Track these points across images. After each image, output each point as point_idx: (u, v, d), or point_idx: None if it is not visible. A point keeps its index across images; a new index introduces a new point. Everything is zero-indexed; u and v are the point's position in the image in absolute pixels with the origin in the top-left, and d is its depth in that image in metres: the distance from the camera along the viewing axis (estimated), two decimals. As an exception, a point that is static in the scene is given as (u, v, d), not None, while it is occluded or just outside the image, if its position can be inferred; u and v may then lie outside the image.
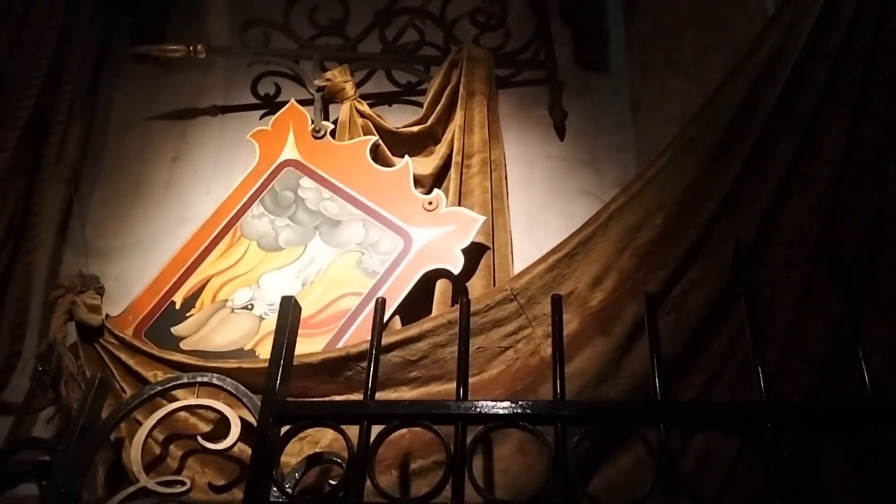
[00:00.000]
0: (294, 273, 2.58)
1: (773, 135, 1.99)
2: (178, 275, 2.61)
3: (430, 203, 2.63)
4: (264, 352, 2.32)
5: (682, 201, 2.01)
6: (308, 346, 2.29)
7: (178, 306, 2.56)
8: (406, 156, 2.80)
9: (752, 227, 1.95)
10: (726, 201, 1.98)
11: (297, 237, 2.67)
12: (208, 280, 2.60)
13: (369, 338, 1.68)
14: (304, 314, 2.37)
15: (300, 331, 2.29)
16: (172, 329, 2.50)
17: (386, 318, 2.34)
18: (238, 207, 2.75)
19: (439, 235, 2.56)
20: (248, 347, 2.43)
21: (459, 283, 2.50)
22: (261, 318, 2.49)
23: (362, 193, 2.72)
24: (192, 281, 2.60)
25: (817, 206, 1.91)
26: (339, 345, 2.33)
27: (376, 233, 2.63)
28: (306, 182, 2.79)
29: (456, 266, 2.48)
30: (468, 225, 2.56)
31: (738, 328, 1.89)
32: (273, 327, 2.25)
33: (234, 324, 2.50)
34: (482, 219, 2.58)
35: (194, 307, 2.55)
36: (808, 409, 1.45)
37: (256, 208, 2.75)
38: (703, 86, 2.41)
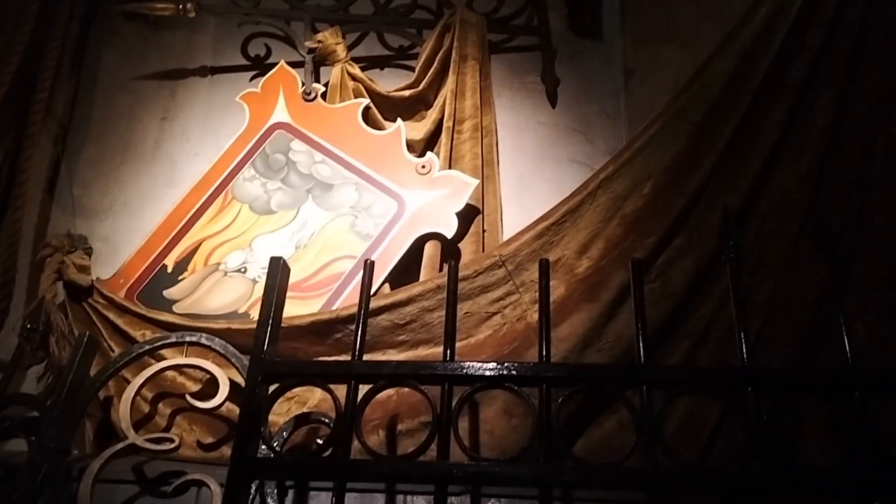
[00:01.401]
0: (287, 236, 2.58)
1: (764, 104, 2.00)
2: (170, 238, 2.60)
3: (424, 167, 2.63)
4: (258, 314, 2.33)
5: (671, 170, 2.03)
6: (302, 308, 2.30)
7: (169, 269, 2.55)
8: (399, 119, 2.78)
9: (740, 196, 1.96)
10: (715, 170, 2.00)
11: (290, 200, 2.66)
12: (200, 243, 2.60)
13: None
14: (298, 277, 2.44)
15: (294, 294, 2.35)
16: (165, 292, 2.50)
17: (380, 280, 2.36)
18: (229, 170, 2.74)
19: (433, 199, 2.57)
20: (242, 310, 2.44)
21: (450, 248, 2.50)
22: (254, 282, 2.49)
23: (355, 156, 2.71)
24: (184, 244, 2.59)
25: (806, 175, 1.93)
26: (334, 307, 2.34)
27: (369, 196, 2.63)
28: (297, 145, 2.77)
29: (450, 230, 2.49)
30: (462, 189, 2.56)
31: (723, 295, 1.92)
32: None
33: (227, 287, 2.50)
34: (475, 182, 2.58)
35: (186, 270, 2.55)
36: (788, 374, 1.47)
37: (247, 171, 2.74)
38: (697, 54, 2.40)
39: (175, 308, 2.44)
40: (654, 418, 1.37)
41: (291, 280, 2.37)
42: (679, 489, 1.35)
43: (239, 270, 2.52)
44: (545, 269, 1.56)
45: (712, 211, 1.95)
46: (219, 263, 2.55)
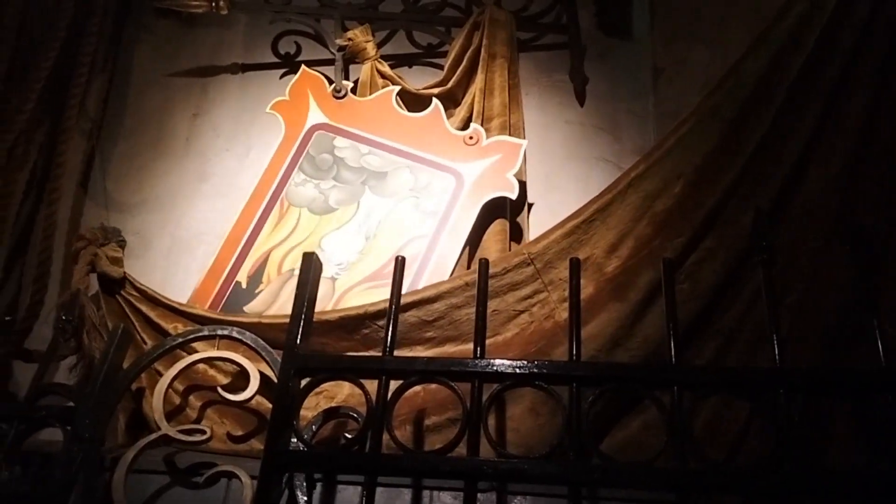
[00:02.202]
0: (354, 229, 2.60)
1: (796, 104, 1.99)
2: (236, 255, 2.59)
3: (471, 137, 2.66)
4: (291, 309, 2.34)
5: (702, 170, 2.02)
6: (385, 295, 2.28)
7: (244, 285, 2.54)
8: (434, 98, 2.81)
9: (770, 197, 1.95)
10: (746, 170, 1.99)
11: (347, 195, 2.68)
12: (268, 254, 2.60)
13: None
14: (374, 266, 2.49)
15: (377, 282, 2.43)
16: (245, 308, 2.47)
17: (457, 253, 2.44)
18: (278, 180, 2.74)
19: (488, 166, 2.60)
20: (329, 308, 2.40)
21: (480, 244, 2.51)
22: (333, 279, 2.49)
23: (400, 141, 2.73)
24: (252, 258, 2.59)
25: (838, 177, 1.92)
26: (420, 286, 2.34)
27: (425, 176, 2.66)
28: (340, 142, 2.79)
29: (513, 192, 2.53)
30: (513, 151, 2.60)
31: (751, 297, 1.92)
32: (347, 285, 2.36)
33: None
34: (524, 142, 2.64)
35: (262, 282, 2.54)
36: (820, 375, 1.46)
37: (297, 176, 2.75)
38: (726, 53, 2.40)
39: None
40: (685, 418, 1.37)
41: (370, 270, 2.49)
42: (709, 489, 1.35)
43: None
44: (576, 267, 1.57)
45: (743, 212, 1.94)
46: (293, 269, 2.53)
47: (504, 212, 2.59)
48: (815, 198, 1.94)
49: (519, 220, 2.67)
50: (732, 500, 1.67)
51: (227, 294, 2.53)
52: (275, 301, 2.50)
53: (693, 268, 1.95)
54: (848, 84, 1.96)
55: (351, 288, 2.47)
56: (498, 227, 2.57)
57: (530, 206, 2.73)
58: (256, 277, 2.56)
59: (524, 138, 2.83)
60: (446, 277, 2.33)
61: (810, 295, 1.90)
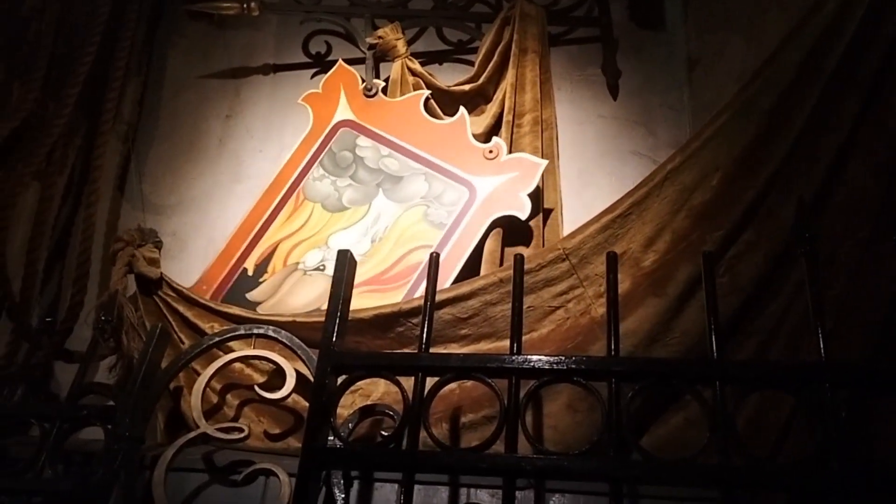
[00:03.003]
0: (362, 231, 2.61)
1: (837, 94, 1.94)
2: (247, 242, 2.64)
3: (491, 151, 2.63)
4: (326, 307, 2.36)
5: (740, 162, 1.98)
6: (382, 300, 2.31)
7: (250, 273, 2.59)
8: (462, 108, 2.79)
9: (811, 189, 1.90)
10: (786, 162, 1.94)
11: (361, 196, 2.69)
12: (277, 245, 2.63)
13: (421, 294, 1.71)
14: (376, 270, 2.49)
15: (375, 286, 2.42)
16: (248, 295, 2.53)
17: (458, 268, 2.39)
18: (298, 171, 2.77)
19: (503, 182, 2.57)
20: (325, 307, 2.41)
21: (512, 240, 2.49)
22: None
23: (421, 147, 2.72)
24: (262, 247, 2.63)
25: (881, 168, 1.87)
26: (415, 296, 2.34)
27: (439, 185, 2.64)
28: (363, 141, 2.80)
29: (523, 212, 2.49)
30: (531, 170, 2.56)
31: (793, 291, 1.88)
32: None
33: (308, 285, 2.53)
34: (544, 163, 2.58)
35: (266, 272, 2.58)
36: (866, 370, 1.42)
37: (316, 171, 2.77)
38: (763, 43, 2.35)
39: (259, 309, 2.46)
40: (728, 414, 1.34)
41: (370, 274, 2.48)
42: (754, 486, 1.32)
43: (318, 268, 2.55)
44: (613, 262, 1.55)
45: (783, 204, 1.90)
46: (297, 263, 2.58)
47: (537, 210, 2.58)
48: (857, 190, 1.89)
49: (552, 218, 2.64)
50: (777, 498, 1.64)
51: (233, 280, 2.58)
52: (276, 292, 2.54)
53: (732, 262, 1.91)
54: (889, 74, 1.91)
55: (349, 289, 2.49)
56: (533, 224, 2.56)
57: (546, 214, 2.68)
58: (262, 266, 2.60)
59: (556, 133, 2.81)
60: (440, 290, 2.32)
61: (854, 288, 1.85)
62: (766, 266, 1.91)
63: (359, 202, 2.68)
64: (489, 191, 2.57)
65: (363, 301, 2.31)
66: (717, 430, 1.34)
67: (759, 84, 2.03)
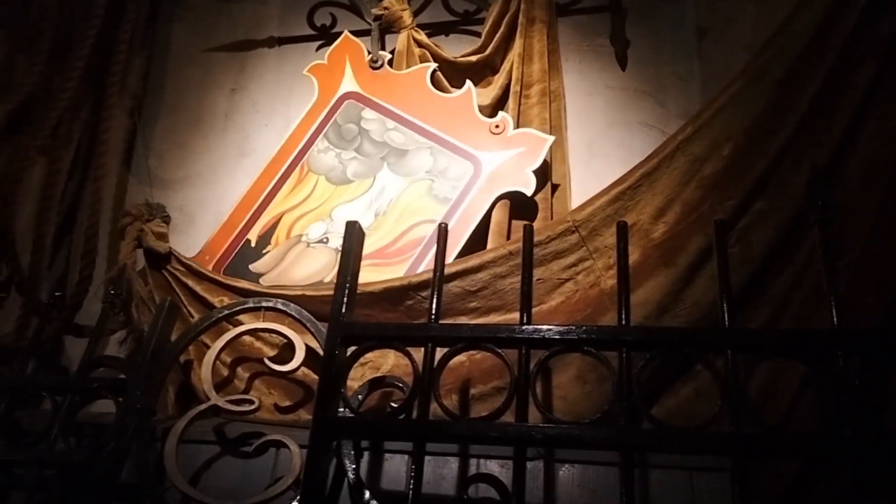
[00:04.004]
0: (365, 204, 2.60)
1: (852, 59, 1.91)
2: (251, 213, 2.64)
3: (497, 126, 2.60)
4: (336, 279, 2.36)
5: (752, 131, 1.96)
6: (387, 274, 2.31)
7: (253, 244, 2.58)
8: (468, 82, 2.76)
9: (824, 156, 1.89)
10: (798, 130, 1.92)
11: (365, 169, 2.67)
12: (281, 216, 2.63)
13: (427, 268, 1.71)
14: (379, 244, 2.47)
15: (378, 260, 2.40)
16: (251, 266, 2.53)
17: (461, 243, 2.37)
18: (303, 143, 2.76)
19: (509, 158, 2.54)
20: (327, 279, 2.44)
21: (518, 212, 2.48)
22: (337, 251, 2.48)
23: (426, 121, 2.69)
24: (265, 218, 2.63)
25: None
26: (418, 271, 2.34)
27: (444, 160, 2.62)
28: (368, 113, 2.78)
29: (529, 188, 2.47)
30: (538, 145, 2.53)
31: (805, 261, 1.87)
32: None
33: (311, 258, 2.53)
34: (551, 139, 2.55)
35: (270, 244, 2.58)
36: (881, 337, 1.41)
37: (321, 143, 2.75)
38: (774, 11, 2.32)
39: (262, 281, 2.46)
40: (740, 382, 1.34)
41: (374, 248, 2.46)
42: (766, 454, 1.32)
43: (321, 241, 2.54)
44: (623, 231, 1.54)
45: (795, 173, 1.89)
46: (301, 235, 2.57)
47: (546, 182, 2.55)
48: (871, 156, 1.87)
49: (560, 191, 2.62)
50: (788, 466, 1.65)
51: (236, 250, 2.58)
52: (278, 264, 2.54)
53: (744, 231, 1.90)
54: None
55: (353, 262, 2.48)
56: (540, 197, 2.54)
57: (555, 186, 2.65)
58: (266, 238, 2.60)
59: (564, 104, 2.78)
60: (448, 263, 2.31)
61: (867, 256, 1.83)
62: (778, 236, 1.89)
63: (363, 175, 2.66)
64: (495, 166, 2.55)
65: (367, 275, 2.29)
66: (728, 399, 1.34)
67: (772, 52, 2.01)
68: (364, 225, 2.49)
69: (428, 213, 2.52)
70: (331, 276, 2.44)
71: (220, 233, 2.62)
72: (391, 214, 2.55)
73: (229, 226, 2.63)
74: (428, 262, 2.39)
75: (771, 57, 1.99)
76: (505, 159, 2.55)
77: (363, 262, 2.27)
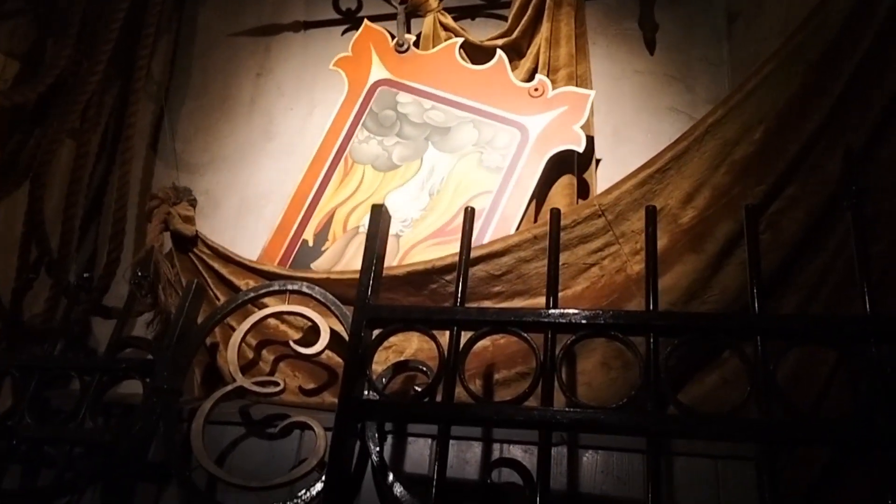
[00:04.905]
0: (418, 186, 2.59)
1: (887, 44, 1.86)
2: (302, 213, 2.62)
3: (536, 89, 2.60)
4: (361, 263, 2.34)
5: (784, 114, 1.92)
6: (450, 251, 2.25)
7: (311, 243, 2.57)
8: (498, 50, 2.75)
9: (858, 142, 1.84)
10: (832, 114, 1.87)
11: (411, 151, 2.66)
12: (333, 212, 2.62)
13: (456, 250, 1.70)
14: (438, 223, 2.48)
15: (441, 238, 2.42)
16: (312, 265, 2.51)
17: (523, 208, 2.40)
18: (342, 137, 2.74)
19: (554, 118, 2.54)
20: (394, 265, 2.43)
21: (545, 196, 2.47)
22: (397, 236, 2.48)
23: (463, 95, 2.69)
24: (318, 216, 2.61)
25: (933, 119, 1.80)
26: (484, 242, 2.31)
27: (489, 130, 2.61)
28: (403, 97, 2.77)
29: (580, 144, 2.46)
30: (580, 102, 2.53)
31: (837, 247, 1.83)
32: (412, 242, 2.34)
33: None
34: (592, 93, 2.55)
35: (328, 240, 2.57)
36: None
37: (360, 133, 2.74)
38: (807, -6, 2.26)
39: None
40: (770, 369, 1.32)
41: (434, 227, 2.47)
42: (798, 441, 1.31)
43: None
44: (651, 215, 1.52)
45: (828, 157, 1.84)
46: (357, 227, 2.56)
47: (571, 167, 2.52)
48: (908, 142, 1.83)
49: (586, 175, 2.61)
50: (817, 454, 1.62)
51: (295, 252, 2.56)
52: (340, 258, 2.52)
53: (775, 217, 1.86)
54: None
55: (415, 245, 2.46)
56: (566, 182, 2.51)
57: (598, 160, 2.65)
58: (322, 235, 2.58)
59: (592, 89, 2.75)
60: (512, 232, 2.30)
61: (901, 243, 1.79)
62: (810, 221, 1.85)
63: (410, 158, 2.65)
64: (541, 128, 2.54)
65: (431, 253, 2.32)
66: (758, 386, 1.32)
67: (806, 34, 1.96)
68: (420, 206, 2.54)
69: (482, 184, 2.52)
70: (396, 261, 2.42)
71: (275, 236, 2.60)
72: (445, 192, 2.55)
73: (283, 228, 2.61)
74: (492, 233, 2.39)
75: (805, 39, 1.94)
76: (550, 120, 2.54)
77: (427, 243, 2.27)
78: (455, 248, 2.29)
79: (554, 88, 2.63)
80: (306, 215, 2.62)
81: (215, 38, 3.32)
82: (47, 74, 2.69)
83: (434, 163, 2.62)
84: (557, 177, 2.52)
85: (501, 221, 2.41)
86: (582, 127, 2.49)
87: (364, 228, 2.49)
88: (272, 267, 2.36)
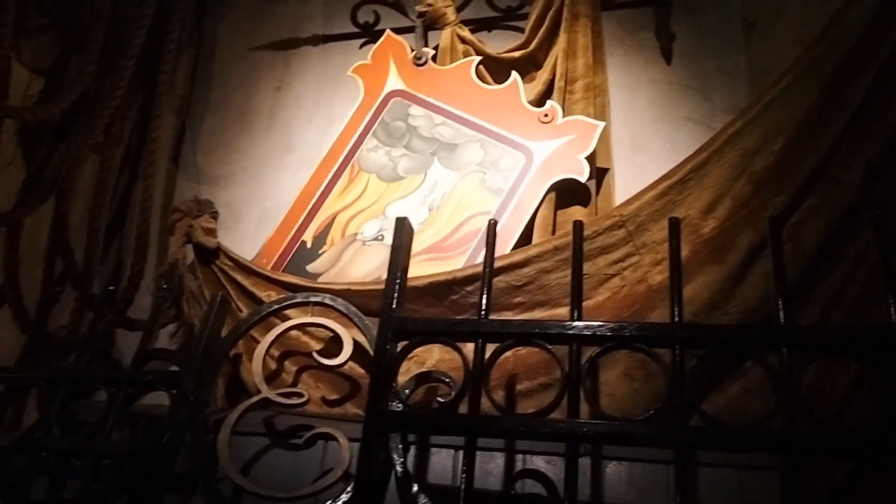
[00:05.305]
0: (419, 200, 2.61)
1: (906, 53, 1.87)
2: (305, 214, 2.66)
3: (546, 115, 2.60)
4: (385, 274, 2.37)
5: (803, 125, 1.93)
6: (444, 268, 2.31)
7: (309, 245, 2.61)
8: (513, 72, 2.76)
9: (877, 152, 1.85)
10: (851, 124, 1.88)
11: (416, 165, 2.69)
12: (335, 216, 2.65)
13: (478, 261, 1.72)
14: (435, 238, 2.48)
15: (435, 254, 2.42)
16: (308, 267, 2.55)
17: (518, 233, 2.39)
18: (352, 143, 2.78)
19: (560, 146, 2.54)
20: (384, 277, 2.45)
21: (564, 207, 2.47)
22: None
23: (474, 114, 2.71)
24: (319, 219, 2.65)
25: (954, 128, 1.80)
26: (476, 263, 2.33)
27: (495, 151, 2.62)
28: (415, 110, 2.80)
29: (582, 174, 2.46)
30: (588, 132, 2.53)
31: (858, 257, 1.83)
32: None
33: (367, 255, 2.55)
34: (601, 124, 2.55)
35: (325, 244, 2.60)
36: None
37: (370, 141, 2.78)
38: (823, 3, 2.27)
39: (320, 280, 2.49)
40: (795, 380, 1.33)
41: (430, 242, 2.48)
42: (821, 452, 1.31)
43: (376, 238, 2.57)
44: (675, 227, 1.53)
45: (848, 168, 1.85)
46: (356, 234, 2.60)
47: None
48: (927, 151, 1.83)
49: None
50: (840, 464, 1.62)
51: (293, 252, 2.60)
52: (335, 263, 2.56)
53: (795, 227, 1.87)
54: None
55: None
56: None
57: (603, 171, 2.64)
58: (321, 238, 2.62)
59: (608, 99, 2.77)
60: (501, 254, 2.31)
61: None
62: (830, 231, 1.86)
63: (414, 171, 2.68)
64: (546, 155, 2.55)
65: (424, 269, 2.32)
66: (783, 396, 1.33)
67: (824, 45, 1.97)
68: (418, 220, 2.55)
69: (482, 205, 2.53)
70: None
71: (276, 235, 2.65)
72: (445, 208, 2.56)
73: (284, 228, 2.65)
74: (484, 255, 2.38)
75: (823, 50, 1.96)
76: (556, 147, 2.55)
77: (420, 258, 2.28)
78: (449, 265, 2.37)
79: (572, 99, 2.65)
80: (308, 216, 2.66)
81: (235, 53, 3.36)
82: (71, 90, 2.73)
83: (437, 178, 2.64)
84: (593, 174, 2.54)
85: (498, 242, 2.37)
86: (587, 157, 2.48)
87: (362, 236, 2.59)
88: (294, 278, 2.38)
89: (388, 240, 2.48)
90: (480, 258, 2.33)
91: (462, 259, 2.42)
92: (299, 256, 2.58)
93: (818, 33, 2.00)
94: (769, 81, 2.07)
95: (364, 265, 2.53)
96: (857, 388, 1.74)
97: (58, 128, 2.93)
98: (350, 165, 2.74)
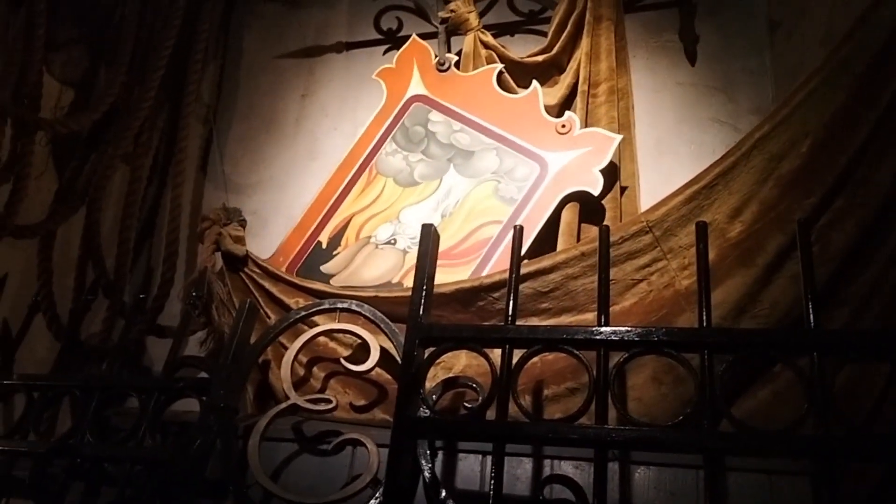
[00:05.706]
0: (432, 206, 2.62)
1: (934, 53, 1.85)
2: (322, 215, 2.70)
3: (563, 126, 2.59)
4: (411, 283, 2.39)
5: (831, 127, 1.91)
6: (453, 275, 2.33)
7: (324, 246, 2.64)
8: (534, 81, 2.76)
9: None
10: (879, 125, 1.86)
11: (432, 171, 2.70)
12: (350, 218, 2.68)
13: (504, 268, 1.72)
14: (445, 245, 2.46)
15: (444, 261, 2.38)
16: (322, 267, 2.58)
17: (528, 244, 2.35)
18: (371, 146, 2.81)
19: (575, 157, 2.53)
20: (395, 280, 2.49)
21: (589, 212, 2.47)
22: (405, 252, 2.54)
23: (493, 122, 2.71)
24: (336, 220, 2.68)
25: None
26: (484, 273, 2.36)
27: (511, 160, 2.62)
28: (435, 116, 2.81)
29: (595, 187, 2.44)
30: (605, 145, 2.51)
31: (888, 259, 1.82)
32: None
33: (379, 258, 2.57)
34: (618, 137, 2.52)
35: (340, 245, 2.63)
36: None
37: (389, 146, 2.80)
38: (849, 2, 2.25)
39: (333, 281, 2.52)
40: (827, 385, 1.32)
41: (441, 248, 2.46)
42: (854, 457, 1.30)
43: (389, 242, 2.58)
44: (702, 231, 1.53)
45: (876, 169, 1.83)
46: (370, 237, 2.62)
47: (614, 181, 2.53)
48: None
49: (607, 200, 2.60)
50: (870, 469, 1.61)
51: (308, 252, 2.64)
52: (348, 265, 2.58)
53: (823, 230, 1.85)
54: None
55: (420, 263, 2.50)
56: (610, 195, 2.52)
57: (624, 186, 2.61)
58: (336, 239, 2.65)
59: (633, 102, 2.75)
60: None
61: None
62: (859, 234, 1.84)
63: (430, 177, 2.69)
64: (561, 166, 2.53)
65: (436, 276, 2.33)
66: (814, 401, 1.32)
67: (851, 46, 1.95)
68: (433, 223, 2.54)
69: (494, 213, 2.53)
70: (398, 276, 2.49)
71: (293, 235, 2.69)
72: (458, 215, 2.57)
73: (301, 228, 2.69)
74: (494, 263, 2.40)
75: (850, 51, 1.94)
76: (571, 159, 2.53)
77: None
78: (458, 272, 2.38)
79: (595, 103, 2.64)
80: (325, 218, 2.70)
81: (261, 62, 3.40)
82: (102, 102, 2.78)
83: (452, 185, 2.65)
84: (610, 186, 2.52)
85: (505, 252, 2.37)
86: (602, 170, 2.46)
87: (375, 239, 2.61)
88: (321, 285, 2.40)
89: (401, 244, 2.57)
90: (489, 267, 2.38)
91: (471, 267, 2.42)
92: (315, 256, 2.62)
93: (844, 34, 1.98)
94: (795, 82, 2.05)
95: (376, 268, 2.55)
96: (889, 392, 1.73)
97: (88, 139, 2.99)
98: (368, 168, 2.77)
